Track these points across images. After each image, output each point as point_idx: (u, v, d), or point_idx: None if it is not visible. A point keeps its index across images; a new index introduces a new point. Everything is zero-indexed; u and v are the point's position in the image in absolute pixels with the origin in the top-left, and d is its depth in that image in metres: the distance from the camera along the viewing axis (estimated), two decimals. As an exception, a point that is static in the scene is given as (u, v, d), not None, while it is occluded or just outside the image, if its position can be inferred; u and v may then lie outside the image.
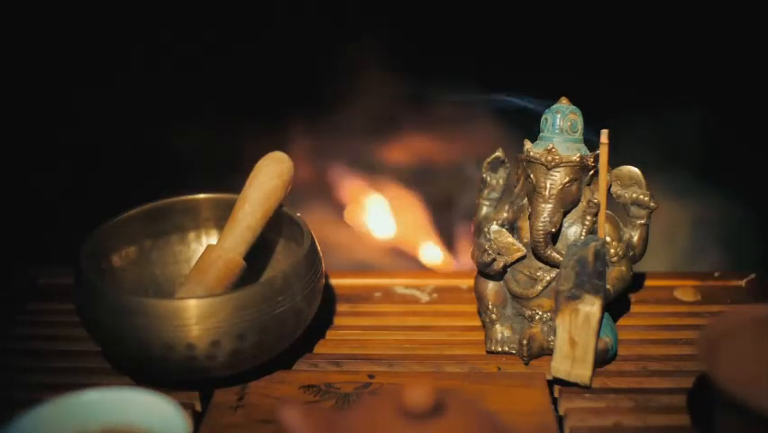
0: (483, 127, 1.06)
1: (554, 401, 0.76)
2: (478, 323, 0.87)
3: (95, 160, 1.13)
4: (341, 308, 0.91)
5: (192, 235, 0.89)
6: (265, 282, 0.75)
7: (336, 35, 1.10)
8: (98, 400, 0.63)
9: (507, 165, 0.86)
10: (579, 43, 1.08)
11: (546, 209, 0.78)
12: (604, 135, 0.77)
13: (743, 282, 0.93)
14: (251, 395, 0.76)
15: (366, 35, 1.09)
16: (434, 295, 0.93)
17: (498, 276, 0.82)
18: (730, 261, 1.12)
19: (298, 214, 0.84)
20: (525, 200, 0.81)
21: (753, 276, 0.93)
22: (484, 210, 0.87)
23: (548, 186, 0.78)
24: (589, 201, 0.80)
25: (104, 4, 1.07)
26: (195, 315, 0.72)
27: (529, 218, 0.80)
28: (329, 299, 0.91)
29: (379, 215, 1.23)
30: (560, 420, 0.75)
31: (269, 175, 0.82)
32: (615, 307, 0.84)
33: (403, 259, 1.22)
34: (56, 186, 1.13)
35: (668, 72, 1.08)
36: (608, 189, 0.80)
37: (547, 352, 0.80)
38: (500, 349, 0.82)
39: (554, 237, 0.80)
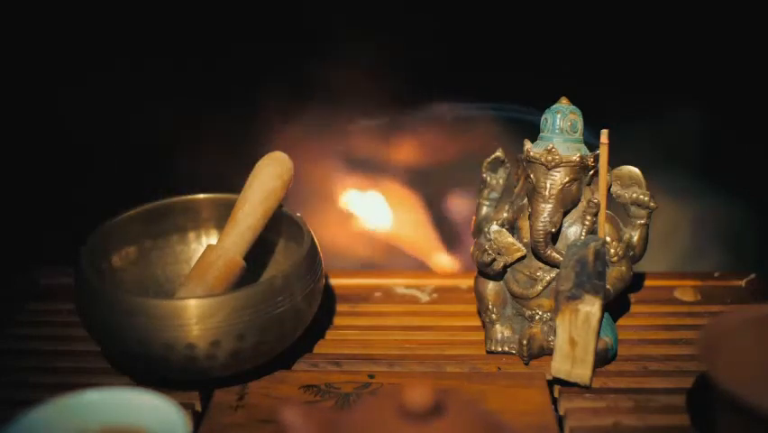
0: (483, 127, 1.06)
1: (554, 401, 0.76)
2: (478, 323, 0.87)
3: (95, 160, 1.13)
4: (341, 308, 0.91)
5: (192, 235, 0.90)
6: (265, 282, 0.75)
7: (335, 36, 1.10)
8: (98, 400, 0.63)
9: (507, 165, 0.86)
10: (578, 43, 1.08)
11: (546, 209, 0.78)
12: (604, 135, 0.77)
13: (743, 282, 0.93)
14: (251, 395, 0.76)
15: (365, 37, 1.09)
16: (434, 295, 0.93)
17: (498, 276, 0.82)
18: (730, 261, 1.12)
19: (298, 214, 0.84)
20: (525, 200, 0.81)
21: (753, 276, 0.93)
22: (484, 210, 0.87)
23: (548, 186, 0.78)
24: (589, 201, 0.80)
25: (110, 7, 1.07)
26: (195, 315, 0.72)
27: (529, 218, 0.80)
28: (329, 299, 0.91)
29: (379, 215, 1.23)
30: (560, 420, 0.75)
31: (269, 175, 0.82)
32: (615, 307, 0.84)
33: (403, 259, 1.22)
34: (56, 186, 1.13)
35: (668, 72, 1.08)
36: (608, 189, 0.81)
37: (547, 352, 0.80)
38: (500, 349, 0.82)
39: (554, 237, 0.80)
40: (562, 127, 0.79)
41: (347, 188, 1.19)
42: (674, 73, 1.08)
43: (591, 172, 0.80)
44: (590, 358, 0.75)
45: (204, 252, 0.81)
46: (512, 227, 0.83)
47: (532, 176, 0.79)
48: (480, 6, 1.08)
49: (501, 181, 0.87)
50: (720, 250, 1.11)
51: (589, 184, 0.80)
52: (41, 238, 1.11)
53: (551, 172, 0.78)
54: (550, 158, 0.78)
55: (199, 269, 0.80)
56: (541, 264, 0.80)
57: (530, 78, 1.05)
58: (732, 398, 0.61)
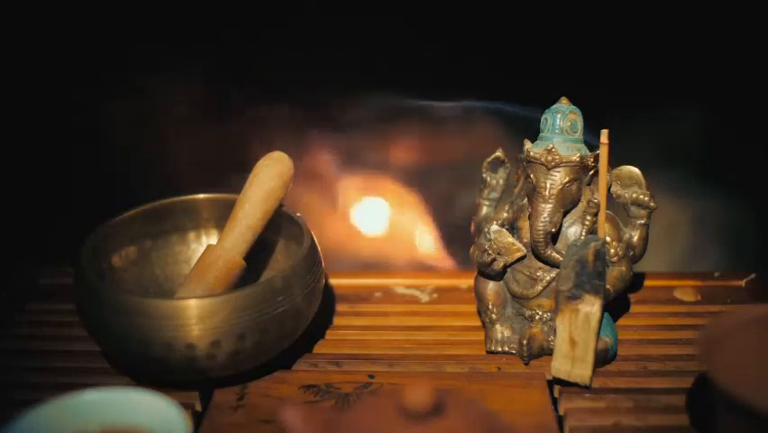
0: (483, 127, 1.06)
1: (554, 401, 0.76)
2: (478, 323, 0.87)
3: (94, 160, 1.13)
4: (341, 308, 0.91)
5: (192, 235, 0.90)
6: (265, 282, 0.75)
7: (335, 37, 1.10)
8: (98, 400, 0.63)
9: (507, 165, 0.86)
10: (578, 43, 1.08)
11: (546, 209, 0.78)
12: (604, 135, 0.77)
13: (743, 282, 0.93)
14: (251, 395, 0.76)
15: (366, 37, 1.09)
16: (434, 295, 0.93)
17: (498, 276, 0.82)
18: (730, 261, 1.12)
19: (298, 214, 0.84)
20: (525, 200, 0.81)
21: (753, 276, 0.93)
22: (484, 210, 0.87)
23: (548, 186, 0.78)
24: (589, 201, 0.80)
25: (107, 5, 1.07)
26: (195, 315, 0.72)
27: (529, 218, 0.80)
28: (329, 299, 0.91)
29: (379, 215, 1.23)
30: (560, 420, 0.75)
31: (270, 175, 0.82)
32: (615, 307, 0.84)
33: (403, 259, 1.22)
34: (56, 186, 1.13)
35: (668, 72, 1.08)
36: (608, 189, 0.81)
37: (547, 352, 0.80)
38: (500, 349, 0.82)
39: (554, 237, 0.80)
40: (562, 127, 0.79)
41: (347, 188, 1.19)
42: (674, 73, 1.08)
43: (591, 172, 0.80)
44: (590, 358, 0.75)
45: (204, 252, 0.81)
46: (512, 227, 0.83)
47: (532, 176, 0.79)
48: (480, 5, 1.08)
49: (501, 181, 0.87)
50: (720, 250, 1.11)
51: (589, 184, 0.80)
52: (41, 238, 1.11)
53: (551, 172, 0.78)
54: (550, 158, 0.78)
55: (199, 269, 0.80)
56: (541, 264, 0.80)
57: (530, 78, 1.05)
58: (732, 398, 0.61)
